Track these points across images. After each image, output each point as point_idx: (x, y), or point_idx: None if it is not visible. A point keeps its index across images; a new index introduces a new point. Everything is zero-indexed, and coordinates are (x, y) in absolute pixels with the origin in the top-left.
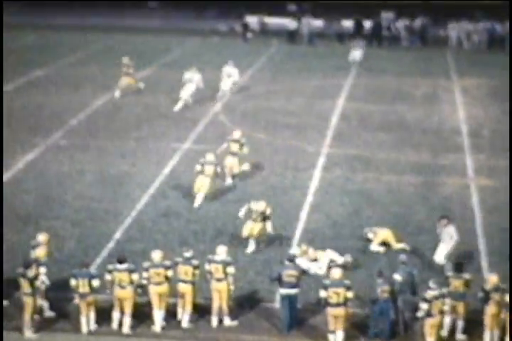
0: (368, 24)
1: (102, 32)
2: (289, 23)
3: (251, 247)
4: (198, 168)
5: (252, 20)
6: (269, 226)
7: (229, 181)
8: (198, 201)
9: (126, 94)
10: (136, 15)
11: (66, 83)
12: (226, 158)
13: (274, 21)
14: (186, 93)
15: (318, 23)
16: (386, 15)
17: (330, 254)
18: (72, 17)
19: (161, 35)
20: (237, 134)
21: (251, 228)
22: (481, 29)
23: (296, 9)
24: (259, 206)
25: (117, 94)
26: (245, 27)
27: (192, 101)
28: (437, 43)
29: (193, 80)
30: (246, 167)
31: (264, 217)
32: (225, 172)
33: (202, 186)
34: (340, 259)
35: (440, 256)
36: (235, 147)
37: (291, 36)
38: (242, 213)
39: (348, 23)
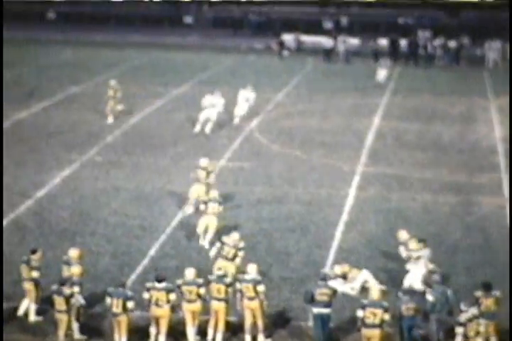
0: (404, 43)
1: (138, 49)
2: (325, 41)
3: None
4: (202, 207)
5: (289, 38)
6: (239, 260)
7: (190, 210)
8: (207, 241)
9: (161, 110)
10: (173, 33)
11: (102, 99)
12: (192, 185)
13: (310, 39)
14: (210, 117)
15: (354, 41)
16: (423, 34)
17: (365, 275)
18: (108, 33)
19: (197, 52)
20: (204, 162)
21: (224, 269)
22: None
23: (332, 27)
24: (230, 239)
25: (110, 119)
26: (281, 45)
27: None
28: (473, 62)
29: (216, 106)
30: (214, 194)
31: (236, 252)
32: (189, 199)
33: (210, 225)
34: (373, 282)
35: (417, 281)
36: (202, 174)
37: (327, 54)
38: (213, 252)
39: (384, 42)
